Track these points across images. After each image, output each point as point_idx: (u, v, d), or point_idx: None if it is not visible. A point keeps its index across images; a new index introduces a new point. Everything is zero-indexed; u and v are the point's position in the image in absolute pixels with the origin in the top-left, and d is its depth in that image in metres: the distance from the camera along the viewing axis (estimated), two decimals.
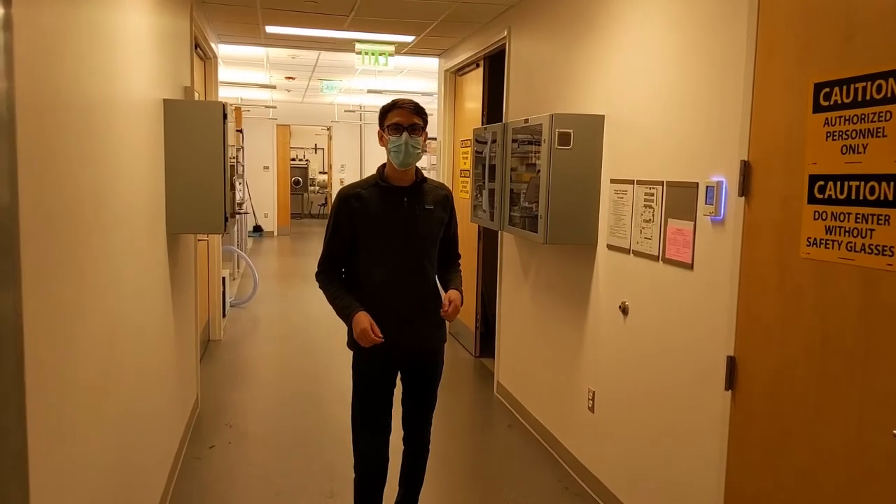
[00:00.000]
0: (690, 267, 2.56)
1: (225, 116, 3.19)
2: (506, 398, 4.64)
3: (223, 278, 6.84)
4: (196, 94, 4.27)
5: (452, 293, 2.53)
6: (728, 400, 2.33)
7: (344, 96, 12.99)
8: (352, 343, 2.54)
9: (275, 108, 13.16)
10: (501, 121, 4.46)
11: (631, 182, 2.98)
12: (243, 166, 11.57)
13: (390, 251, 2.47)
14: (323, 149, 18.62)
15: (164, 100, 3.13)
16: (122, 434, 2.34)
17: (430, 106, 13.80)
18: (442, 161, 6.38)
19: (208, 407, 4.47)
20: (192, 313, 4.20)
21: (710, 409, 2.43)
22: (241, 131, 11.20)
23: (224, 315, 6.90)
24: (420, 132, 2.42)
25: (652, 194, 2.81)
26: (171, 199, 3.17)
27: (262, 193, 14.64)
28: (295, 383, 5.01)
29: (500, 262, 4.76)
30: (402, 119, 2.40)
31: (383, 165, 2.54)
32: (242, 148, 11.38)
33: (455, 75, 6.27)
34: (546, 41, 3.90)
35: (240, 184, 11.46)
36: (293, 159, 18.49)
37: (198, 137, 3.16)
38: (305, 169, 19.02)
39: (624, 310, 3.03)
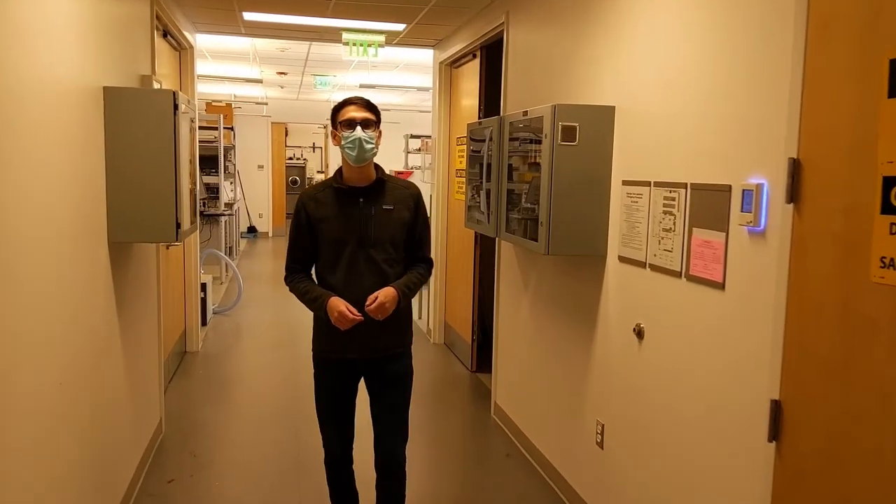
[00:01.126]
0: (721, 286, 2.12)
1: (176, 107, 2.75)
2: (504, 422, 4.20)
3: (203, 284, 6.42)
4: (159, 85, 3.84)
5: (383, 290, 2.41)
6: (772, 454, 1.90)
7: (339, 93, 12.56)
8: (315, 344, 2.56)
9: (266, 104, 12.73)
10: (499, 115, 4.02)
11: (647, 184, 2.54)
12: (234, 165, 11.15)
13: (345, 253, 2.44)
14: (321, 147, 18.20)
15: (105, 88, 2.70)
16: (41, 473, 1.91)
17: (426, 102, 13.34)
18: (436, 160, 5.94)
19: (174, 431, 4.04)
20: (153, 327, 3.77)
21: (747, 462, 2.00)
22: (231, 129, 10.78)
23: (205, 323, 6.48)
24: (374, 127, 2.42)
25: (673, 199, 2.38)
26: (113, 203, 2.74)
27: (256, 193, 14.23)
28: (276, 402, 4.58)
29: (497, 271, 4.32)
30: (355, 114, 2.40)
31: (340, 167, 2.51)
32: (234, 146, 10.96)
33: (450, 67, 5.84)
34: (547, 26, 3.46)
35: (231, 183, 11.05)
36: (290, 158, 18.10)
37: (144, 131, 2.73)
38: (303, 168, 18.61)
39: (639, 333, 2.59)
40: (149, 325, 3.65)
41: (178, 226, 2.80)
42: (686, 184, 2.31)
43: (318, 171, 18.69)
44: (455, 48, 5.39)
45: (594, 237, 2.84)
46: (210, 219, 8.71)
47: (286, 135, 17.54)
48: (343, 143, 2.41)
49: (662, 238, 2.44)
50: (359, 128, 2.39)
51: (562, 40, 3.29)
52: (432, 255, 6.25)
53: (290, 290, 2.56)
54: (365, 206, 2.45)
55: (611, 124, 2.80)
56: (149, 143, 2.73)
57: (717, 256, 2.14)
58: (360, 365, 2.53)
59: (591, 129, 2.78)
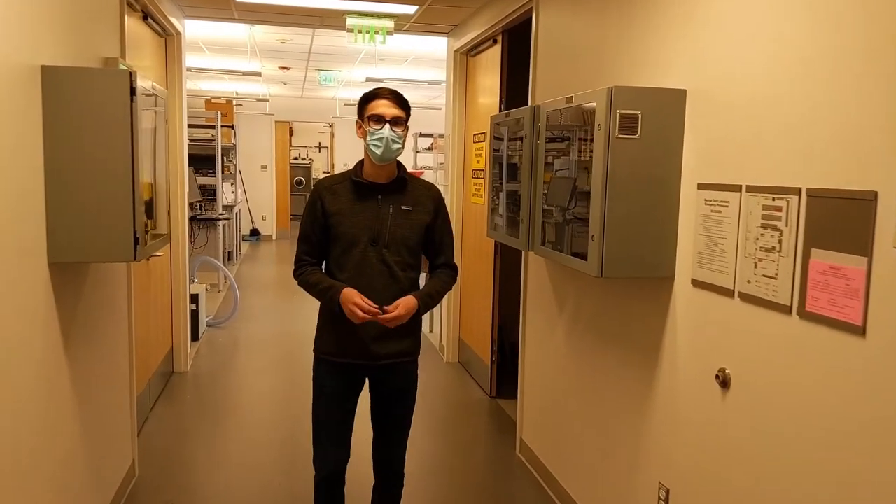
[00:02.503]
0: (860, 331, 1.54)
1: (133, 91, 2.19)
2: (532, 463, 3.62)
3: (194, 296, 5.87)
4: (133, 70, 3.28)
5: (405, 300, 2.28)
6: None
7: (345, 90, 12.01)
8: (318, 344, 2.43)
9: (268, 101, 12.18)
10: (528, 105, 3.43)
11: (735, 188, 1.96)
12: (235, 165, 10.62)
13: (356, 251, 2.31)
14: (327, 147, 17.67)
15: (44, 67, 2.14)
16: None
17: (437, 99, 12.80)
18: (451, 159, 5.37)
19: (150, 474, 3.47)
20: (121, 358, 3.21)
21: None
22: (232, 127, 10.25)
23: (197, 338, 5.93)
24: (402, 125, 2.30)
25: (778, 208, 1.79)
26: (55, 214, 2.18)
27: (259, 194, 13.69)
28: (272, 437, 4.01)
29: (524, 286, 3.74)
30: (385, 110, 2.27)
31: (361, 161, 2.38)
32: (235, 145, 10.43)
33: (466, 56, 5.26)
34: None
35: (231, 184, 10.51)
36: (295, 158, 17.58)
37: (93, 122, 2.17)
38: (309, 168, 18.10)
39: (723, 381, 2.01)
40: (115, 356, 3.09)
41: (137, 241, 2.23)
42: (800, 189, 1.72)
43: (324, 172, 18.17)
44: (472, 34, 4.81)
45: (659, 255, 2.26)
46: (206, 223, 8.16)
47: (291, 134, 17.05)
48: (369, 138, 2.28)
49: (761, 260, 1.86)
50: (387, 125, 2.26)
51: (608, 15, 2.71)
52: None
53: (299, 283, 2.41)
54: (383, 204, 2.32)
55: (681, 112, 2.21)
56: (99, 136, 2.17)
57: (854, 289, 1.56)
58: (366, 371, 2.41)
59: (656, 118, 2.20)
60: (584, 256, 2.36)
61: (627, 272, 2.26)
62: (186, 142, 5.20)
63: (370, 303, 2.22)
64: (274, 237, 13.95)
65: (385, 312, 2.23)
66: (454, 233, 5.32)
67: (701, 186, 2.13)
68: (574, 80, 3.03)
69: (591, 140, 2.35)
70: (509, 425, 4.17)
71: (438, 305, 5.72)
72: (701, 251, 2.12)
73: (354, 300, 2.22)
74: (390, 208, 2.32)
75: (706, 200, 2.10)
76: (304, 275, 2.39)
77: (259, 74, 7.61)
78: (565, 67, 3.17)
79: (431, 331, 6.46)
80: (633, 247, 2.23)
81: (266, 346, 5.96)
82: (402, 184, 2.37)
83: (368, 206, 2.32)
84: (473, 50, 5.04)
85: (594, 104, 2.26)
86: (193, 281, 6.80)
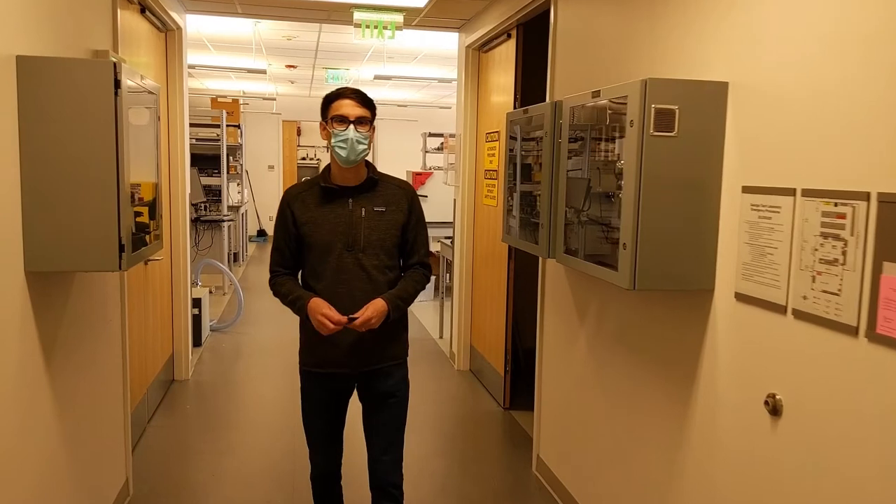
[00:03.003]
0: None
1: (118, 84, 1.99)
2: (550, 482, 3.41)
3: (196, 300, 5.68)
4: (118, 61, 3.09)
5: (372, 304, 2.21)
6: None
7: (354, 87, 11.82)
8: (303, 357, 2.42)
9: (274, 99, 12.01)
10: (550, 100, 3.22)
11: (788, 192, 1.74)
12: (241, 165, 10.45)
13: (332, 259, 2.25)
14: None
15: (19, 57, 1.94)
16: None
17: (446, 98, 12.61)
18: (462, 160, 5.16)
19: (145, 493, 3.28)
20: (114, 368, 3.02)
21: None
22: (238, 126, 10.08)
23: (199, 343, 5.75)
24: (367, 125, 2.22)
25: (842, 215, 1.57)
26: (31, 219, 1.98)
27: (266, 195, 13.53)
28: (275, 448, 3.81)
29: (541, 293, 3.53)
30: (349, 110, 2.19)
31: (328, 165, 2.33)
32: (241, 145, 10.26)
33: (479, 52, 5.05)
34: None
35: (237, 184, 10.35)
36: (303, 158, 17.43)
37: (73, 118, 1.97)
38: (316, 168, 17.91)
39: (774, 408, 1.79)
40: (106, 369, 2.90)
41: (122, 248, 2.03)
42: (868, 193, 1.51)
43: None
44: (485, 28, 4.60)
45: (697, 266, 2.04)
46: (211, 224, 7.99)
47: (298, 134, 16.89)
48: (333, 140, 2.21)
49: (820, 273, 1.64)
50: (351, 126, 2.19)
51: (637, 3, 2.50)
52: (457, 267, 5.49)
53: (273, 294, 2.38)
54: (355, 208, 2.27)
55: (722, 107, 2.00)
56: (80, 133, 1.97)
57: None
58: (350, 379, 2.37)
59: (695, 114, 1.99)
60: (611, 265, 2.14)
61: (662, 284, 2.04)
62: (188, 141, 5.01)
63: (336, 314, 2.17)
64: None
65: (353, 320, 2.18)
66: (465, 236, 5.13)
67: (746, 190, 1.91)
68: (598, 75, 2.82)
69: (615, 139, 2.14)
70: (524, 440, 3.95)
71: (448, 310, 5.54)
72: (746, 262, 1.90)
73: (322, 311, 2.17)
74: (362, 211, 2.26)
75: (753, 205, 1.88)
76: (277, 285, 2.36)
77: (264, 72, 7.43)
78: (587, 61, 2.95)
79: (441, 336, 6.25)
80: (668, 256, 2.02)
81: (270, 353, 5.77)
82: (373, 184, 2.31)
83: (340, 211, 2.26)
84: (486, 45, 4.83)
85: (625, 97, 2.04)
86: (196, 284, 6.63)
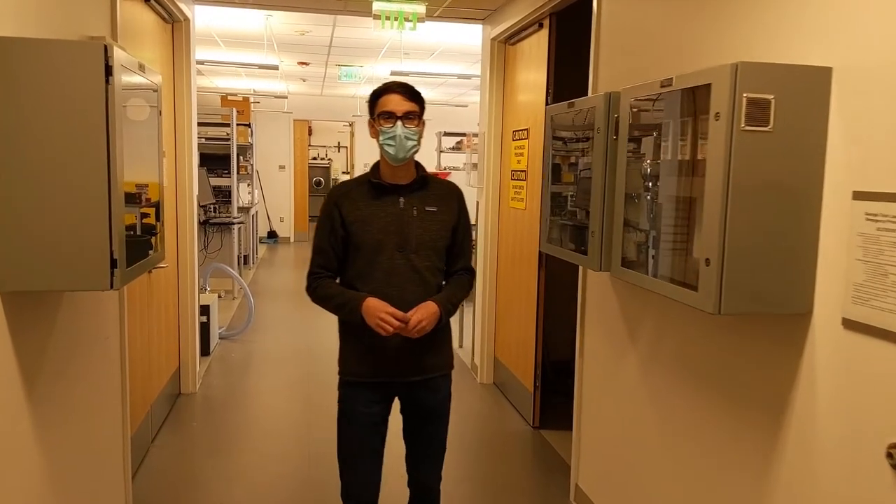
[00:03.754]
0: None
1: (109, 70, 1.69)
2: None
3: (205, 308, 5.40)
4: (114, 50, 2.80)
5: (423, 307, 2.10)
6: None
7: (367, 87, 11.54)
8: (343, 367, 2.25)
9: (286, 97, 11.74)
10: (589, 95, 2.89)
11: None
12: (252, 165, 10.19)
13: (382, 259, 2.14)
14: (346, 147, 17.23)
15: None
16: None
17: (462, 97, 12.28)
18: (486, 159, 4.84)
19: None
20: (112, 391, 2.73)
21: None
22: (248, 125, 9.81)
23: (208, 353, 5.47)
24: (416, 120, 2.13)
25: None
26: (6, 231, 1.69)
27: (277, 196, 13.27)
28: (289, 470, 3.51)
29: (582, 303, 3.21)
30: (395, 106, 2.10)
31: (377, 162, 2.22)
32: (251, 144, 9.99)
33: (505, 45, 4.73)
34: None
35: (248, 185, 10.09)
36: (314, 158, 17.18)
37: (58, 110, 1.67)
38: (328, 169, 17.69)
39: None
40: (103, 393, 2.60)
41: (115, 264, 1.73)
42: None
43: (343, 172, 17.74)
44: (513, 19, 4.29)
45: (791, 285, 1.72)
46: (220, 227, 7.71)
47: (310, 133, 16.64)
48: (381, 138, 2.11)
49: None
50: (399, 122, 2.09)
51: None
52: (480, 273, 5.17)
53: (314, 299, 2.23)
54: (406, 206, 2.17)
55: (824, 97, 1.67)
56: (65, 127, 1.68)
57: None
58: (397, 390, 2.24)
59: (793, 105, 1.67)
60: (686, 283, 1.82)
61: (751, 307, 1.72)
62: (196, 140, 4.73)
63: (397, 313, 2.05)
64: (292, 239, 13.52)
65: (406, 321, 2.06)
66: (490, 241, 4.82)
67: (859, 196, 1.59)
68: (654, 65, 2.50)
69: (688, 135, 1.82)
70: (558, 465, 3.64)
71: (470, 318, 5.23)
72: (859, 282, 1.58)
73: (384, 310, 2.05)
74: (414, 210, 2.17)
75: (868, 215, 1.56)
76: (320, 289, 2.21)
77: (276, 68, 7.15)
78: (640, 50, 2.63)
79: (461, 346, 5.94)
80: (759, 274, 1.70)
81: (284, 363, 5.48)
82: (423, 183, 2.22)
83: (391, 210, 2.16)
84: (514, 37, 4.52)
85: (709, 85, 1.72)
86: (205, 290, 6.35)
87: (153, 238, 2.17)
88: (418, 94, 2.15)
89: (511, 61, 4.65)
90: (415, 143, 2.12)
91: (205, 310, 5.42)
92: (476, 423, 4.32)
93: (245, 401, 4.57)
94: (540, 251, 4.03)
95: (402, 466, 2.38)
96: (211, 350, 5.58)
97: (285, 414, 4.37)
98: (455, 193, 2.29)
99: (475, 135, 9.90)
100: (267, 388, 4.86)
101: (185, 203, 4.49)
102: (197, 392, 4.67)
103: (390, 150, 2.10)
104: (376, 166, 2.21)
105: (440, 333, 2.20)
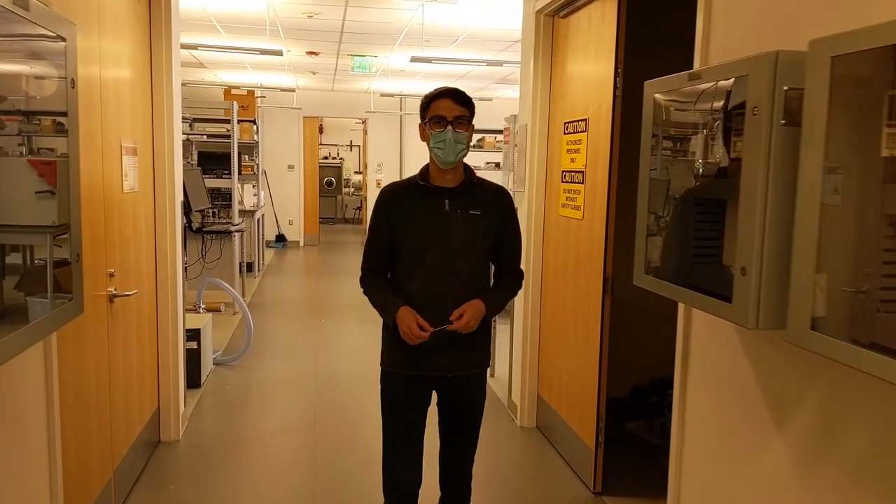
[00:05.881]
0: None
1: None
2: None
3: (194, 332, 4.62)
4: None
5: (472, 304, 2.18)
6: None
7: (381, 81, 10.75)
8: (382, 358, 2.36)
9: (293, 91, 10.96)
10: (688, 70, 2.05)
11: None
12: (258, 164, 9.42)
13: (425, 258, 2.22)
14: (358, 146, 16.45)
15: None
16: None
17: (485, 91, 11.46)
18: (529, 158, 4.01)
19: None
20: (38, 485, 1.92)
21: None
22: (254, 122, 9.04)
23: (198, 384, 4.68)
24: (466, 125, 2.17)
25: None
26: None
27: (285, 197, 12.50)
28: None
29: (683, 348, 2.37)
30: (446, 111, 2.15)
31: (427, 165, 2.27)
32: (257, 142, 9.22)
33: (553, 18, 3.89)
34: None
35: (253, 186, 9.32)
36: (325, 157, 16.42)
37: None
38: (339, 168, 16.92)
39: None
40: (19, 491, 1.80)
41: None
42: None
43: (356, 172, 16.96)
44: None
45: None
46: (219, 236, 6.92)
47: (321, 131, 15.88)
48: (431, 142, 2.17)
49: None
50: (449, 127, 2.14)
51: None
52: (521, 299, 4.33)
53: (364, 292, 2.34)
54: (451, 210, 2.22)
55: None
56: None
57: None
58: (436, 384, 2.34)
59: None
60: None
61: None
62: (179, 136, 3.94)
63: (426, 326, 2.16)
64: (302, 243, 12.75)
65: (450, 324, 2.16)
66: (533, 256, 3.98)
67: None
68: (793, 21, 1.65)
69: None
70: None
71: (505, 343, 4.40)
72: None
73: (409, 323, 2.16)
74: (458, 213, 2.23)
75: None
76: (368, 286, 2.34)
77: (280, 53, 6.36)
78: (772, 5, 1.79)
79: (493, 375, 5.11)
80: None
81: (289, 395, 4.67)
82: (470, 187, 2.27)
83: (436, 212, 2.23)
84: (566, 8, 3.68)
85: None
86: (198, 309, 5.57)
87: (63, 279, 1.36)
88: (469, 99, 2.19)
89: (561, 37, 3.81)
90: (463, 146, 2.16)
91: (194, 334, 4.64)
92: (518, 480, 3.50)
93: (238, 451, 3.76)
94: (605, 276, 3.19)
95: (435, 466, 2.44)
96: (202, 381, 4.79)
97: (292, 465, 3.56)
98: (503, 197, 2.32)
99: (500, 132, 9.07)
100: (267, 431, 4.05)
101: (165, 211, 3.70)
102: (181, 439, 3.87)
103: (440, 154, 2.16)
104: (425, 169, 2.26)
105: (479, 332, 2.26)
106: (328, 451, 3.75)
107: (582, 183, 3.44)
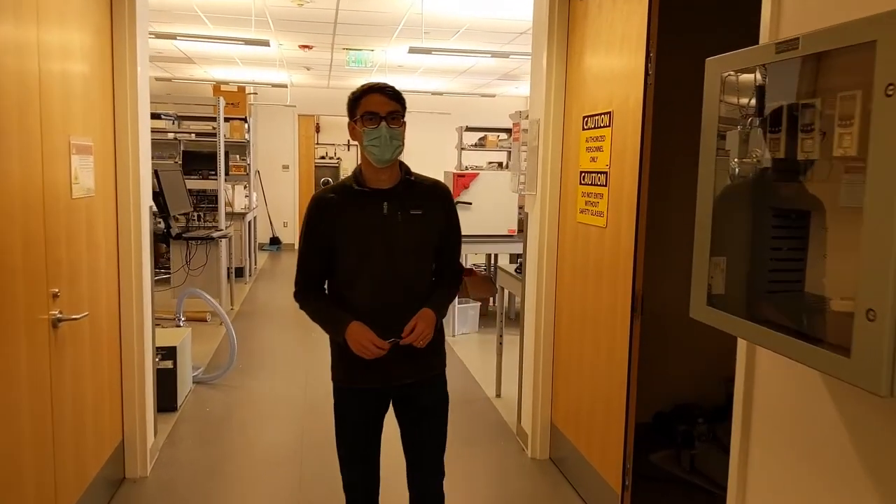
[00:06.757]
0: None
1: None
2: None
3: (170, 350, 4.18)
4: None
5: (422, 313, 2.13)
6: None
7: (378, 78, 10.30)
8: (335, 373, 2.27)
9: (286, 87, 10.51)
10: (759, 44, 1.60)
11: None
12: (249, 165, 8.98)
13: (369, 267, 2.13)
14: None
15: None
16: None
17: (485, 87, 11.00)
18: (544, 156, 3.57)
19: None
20: None
21: None
22: (245, 120, 8.60)
23: (174, 408, 4.24)
24: (399, 121, 2.11)
25: None
26: None
27: (280, 198, 12.08)
28: None
29: (745, 402, 1.92)
30: (379, 106, 2.08)
31: (359, 166, 2.19)
32: (248, 141, 8.78)
33: None
34: None
35: (245, 187, 8.88)
36: (322, 157, 15.98)
37: None
38: (336, 168, 16.47)
39: None
40: None
41: None
42: None
43: None
44: None
45: None
46: (203, 241, 6.48)
47: (317, 130, 15.45)
48: (365, 140, 2.07)
49: None
50: (383, 123, 2.06)
51: None
52: (530, 313, 3.85)
53: (301, 307, 2.23)
54: (390, 212, 2.13)
55: None
56: None
57: None
58: (390, 394, 2.26)
59: None
60: None
61: None
62: (147, 133, 3.49)
63: (378, 341, 2.07)
64: (297, 246, 12.26)
65: (402, 338, 2.09)
66: (547, 269, 3.54)
67: None
68: None
69: None
70: None
71: (518, 366, 3.96)
72: None
73: (365, 337, 2.08)
74: (398, 215, 2.13)
75: None
76: (307, 301, 2.22)
77: (267, 44, 5.91)
78: None
79: (499, 395, 4.67)
80: None
81: (277, 418, 4.22)
82: (408, 186, 2.18)
83: (375, 216, 2.12)
84: None
85: None
86: (178, 322, 5.13)
87: None
88: (400, 94, 2.13)
89: (579, 19, 3.36)
90: (399, 143, 2.10)
91: (169, 353, 4.20)
92: None
93: (213, 488, 3.31)
94: (634, 293, 2.75)
95: (403, 468, 2.32)
96: (180, 403, 4.34)
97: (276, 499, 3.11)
98: (442, 193, 2.26)
99: (504, 130, 8.63)
100: (247, 464, 3.60)
101: (129, 217, 3.25)
102: (149, 476, 3.42)
103: (376, 152, 2.08)
104: (358, 171, 2.17)
105: (434, 337, 2.19)
106: (315, 487, 3.31)
107: (605, 185, 2.99)
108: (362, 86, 2.13)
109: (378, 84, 2.13)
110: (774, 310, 1.52)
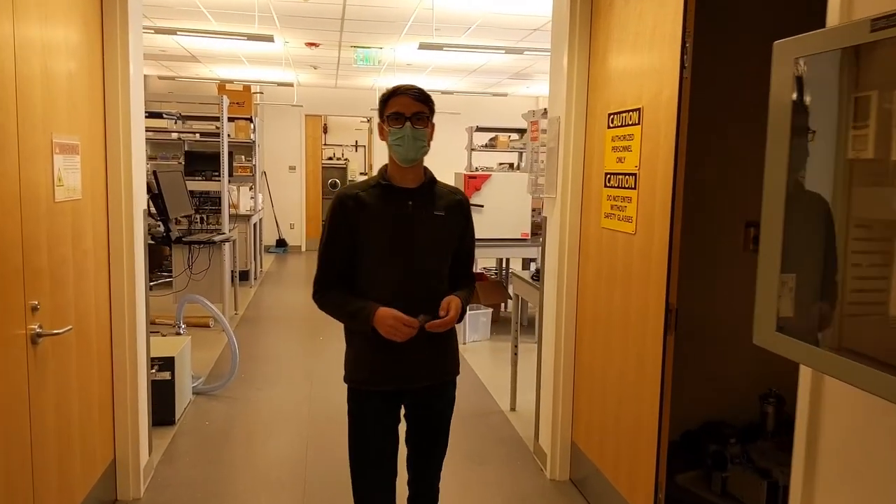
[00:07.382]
0: None
1: None
2: None
3: (167, 361, 3.97)
4: None
5: (453, 299, 2.12)
6: None
7: (387, 75, 10.11)
8: (348, 376, 2.24)
9: (292, 85, 10.31)
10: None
11: None
12: (255, 166, 8.78)
13: (393, 263, 2.15)
14: (364, 146, 15.81)
15: None
16: None
17: (497, 86, 10.78)
18: (565, 156, 3.33)
19: None
20: None
21: None
22: (251, 120, 8.41)
23: (173, 422, 4.03)
24: (425, 122, 2.14)
25: None
26: None
27: (287, 200, 11.89)
28: None
29: (809, 440, 1.69)
30: (404, 107, 2.12)
31: (386, 165, 2.22)
32: (254, 142, 8.58)
33: None
34: None
35: (250, 189, 8.68)
36: (329, 158, 15.78)
37: None
38: (344, 169, 16.28)
39: None
40: None
41: None
42: None
43: (361, 173, 16.31)
44: None
45: None
46: (205, 245, 6.27)
47: (325, 131, 15.25)
48: (390, 139, 2.13)
49: None
50: (408, 123, 2.10)
51: None
52: (549, 325, 3.54)
53: (321, 306, 2.21)
54: (415, 210, 2.16)
55: None
56: None
57: None
58: (405, 398, 2.26)
59: None
60: None
61: None
62: (141, 132, 3.28)
63: (409, 320, 2.04)
64: (304, 248, 12.11)
65: (426, 322, 2.06)
66: (567, 277, 3.31)
67: None
68: None
69: None
70: None
71: (534, 380, 3.73)
72: None
73: (391, 321, 2.05)
74: (423, 214, 2.17)
75: None
76: (328, 297, 2.19)
77: (271, 38, 5.69)
78: None
79: (514, 409, 4.43)
80: None
81: (280, 431, 4.00)
82: (432, 187, 2.22)
83: (401, 213, 2.15)
84: None
85: None
86: (179, 330, 4.92)
87: None
88: (428, 96, 2.15)
89: (604, 8, 3.13)
90: (424, 143, 2.13)
91: (167, 364, 3.99)
92: None
93: None
94: (668, 307, 2.51)
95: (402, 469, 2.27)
96: (178, 416, 4.13)
97: None
98: (461, 199, 2.27)
99: (516, 130, 8.38)
100: (248, 484, 3.38)
101: (121, 221, 3.04)
102: (142, 497, 3.21)
103: (399, 151, 2.11)
104: (384, 169, 2.20)
105: (449, 338, 2.24)
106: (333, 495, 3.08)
107: (634, 188, 2.76)
108: (392, 88, 2.18)
109: (405, 86, 2.17)
110: (855, 336, 1.29)
